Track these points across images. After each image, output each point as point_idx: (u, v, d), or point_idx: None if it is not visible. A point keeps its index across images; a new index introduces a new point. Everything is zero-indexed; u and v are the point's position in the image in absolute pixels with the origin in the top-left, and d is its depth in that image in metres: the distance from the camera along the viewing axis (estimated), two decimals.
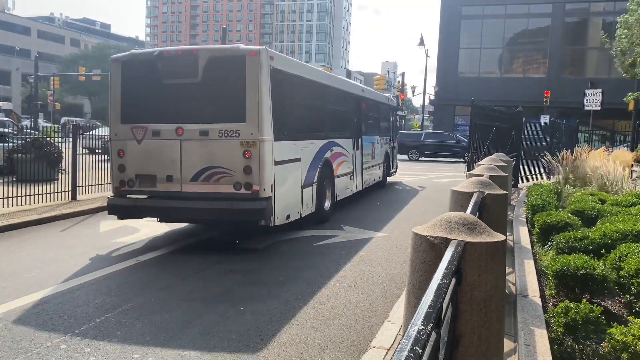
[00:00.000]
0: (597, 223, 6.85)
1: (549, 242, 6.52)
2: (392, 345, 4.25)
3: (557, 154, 13.76)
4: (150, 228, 8.89)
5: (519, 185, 15.10)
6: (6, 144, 13.90)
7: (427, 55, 46.45)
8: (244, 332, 4.51)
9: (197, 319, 4.79)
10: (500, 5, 39.14)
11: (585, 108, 22.37)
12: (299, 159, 8.58)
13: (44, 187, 10.67)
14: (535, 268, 5.82)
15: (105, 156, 12.96)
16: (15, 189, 10.10)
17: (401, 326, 4.32)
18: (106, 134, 14.08)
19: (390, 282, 6.06)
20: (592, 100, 22.04)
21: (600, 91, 22.19)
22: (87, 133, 13.17)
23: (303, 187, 8.73)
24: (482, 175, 5.20)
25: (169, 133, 7.51)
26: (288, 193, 8.10)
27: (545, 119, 28.55)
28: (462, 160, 27.38)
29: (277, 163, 7.54)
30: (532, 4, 38.39)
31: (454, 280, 2.07)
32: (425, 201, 13.10)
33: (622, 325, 3.62)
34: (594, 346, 3.74)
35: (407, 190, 15.33)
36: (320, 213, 9.54)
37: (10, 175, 11.48)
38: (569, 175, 12.64)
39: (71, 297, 5.35)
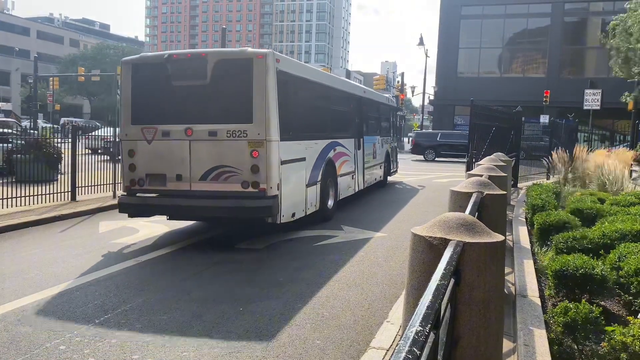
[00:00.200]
0: (597, 223, 6.85)
1: (549, 242, 6.52)
2: (391, 345, 4.24)
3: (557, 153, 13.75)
4: (149, 229, 8.89)
5: (519, 185, 15.09)
6: (5, 145, 13.89)
7: (426, 55, 46.47)
8: (243, 332, 4.51)
9: (196, 319, 4.79)
10: (500, 5, 39.17)
11: (585, 108, 22.40)
12: (303, 159, 8.79)
13: (43, 187, 10.67)
14: (535, 268, 5.81)
15: (106, 156, 13.01)
16: (14, 189, 10.10)
17: (400, 327, 4.32)
18: (108, 134, 14.20)
19: (390, 282, 6.06)
20: (592, 100, 22.07)
21: (600, 91, 22.22)
22: (90, 134, 13.21)
23: (307, 185, 8.94)
24: (481, 176, 5.21)
25: (179, 133, 7.71)
26: (293, 191, 8.29)
27: (544, 119, 28.56)
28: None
29: (283, 162, 7.75)
30: (531, 3, 38.42)
31: (452, 280, 2.07)
32: (425, 201, 13.11)
33: (621, 325, 3.62)
34: (593, 346, 3.74)
35: (407, 190, 15.33)
36: (324, 211, 9.73)
37: (10, 176, 11.49)
38: (569, 175, 12.65)
39: (70, 298, 5.35)
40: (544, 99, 32.51)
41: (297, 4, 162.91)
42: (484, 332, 2.28)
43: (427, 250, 2.34)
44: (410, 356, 1.22)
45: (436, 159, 30.33)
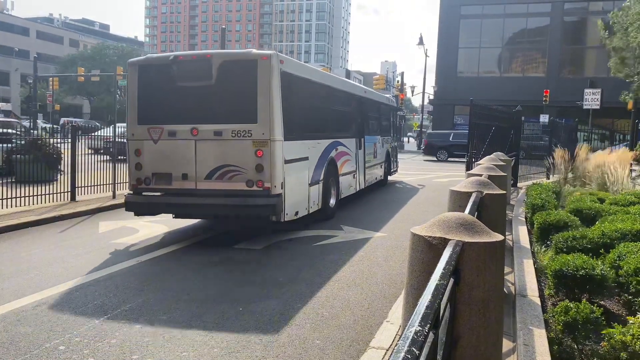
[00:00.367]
0: (597, 222, 6.85)
1: (548, 242, 6.52)
2: (391, 345, 4.24)
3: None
4: (149, 229, 8.89)
5: (518, 184, 15.10)
6: (5, 145, 13.87)
7: (426, 55, 46.49)
8: (242, 332, 4.51)
9: (196, 319, 4.79)
10: (500, 5, 39.15)
11: (585, 107, 22.39)
12: (306, 158, 8.94)
13: (43, 188, 10.66)
14: (535, 268, 5.81)
15: (107, 156, 13.01)
16: (14, 189, 10.09)
17: (400, 326, 4.32)
18: (108, 134, 14.18)
19: (389, 282, 6.06)
20: (592, 99, 22.07)
21: (600, 90, 22.22)
22: (92, 134, 13.23)
23: (310, 184, 9.08)
24: (481, 175, 5.21)
25: (185, 133, 7.85)
26: (297, 190, 8.44)
27: (544, 119, 28.55)
28: None
29: (286, 162, 7.90)
30: (531, 3, 38.41)
31: (452, 280, 2.07)
32: (425, 200, 13.11)
33: (621, 325, 3.61)
34: (593, 346, 3.74)
35: (407, 190, 15.33)
36: (326, 210, 9.85)
37: (9, 176, 11.48)
38: (569, 174, 12.65)
39: (70, 298, 5.35)
40: (544, 99, 32.50)
41: (297, 3, 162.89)
42: (483, 331, 2.28)
43: (426, 250, 2.34)
44: (409, 356, 1.22)
45: (449, 159, 30.11)
